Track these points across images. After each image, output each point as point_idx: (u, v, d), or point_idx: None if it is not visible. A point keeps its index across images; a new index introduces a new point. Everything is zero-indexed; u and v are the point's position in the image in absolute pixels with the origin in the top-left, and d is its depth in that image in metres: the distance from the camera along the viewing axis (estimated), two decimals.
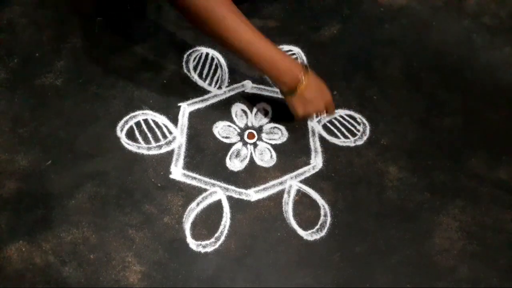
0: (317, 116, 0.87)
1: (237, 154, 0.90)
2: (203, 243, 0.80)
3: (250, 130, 0.94)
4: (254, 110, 0.97)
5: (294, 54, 1.05)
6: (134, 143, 0.89)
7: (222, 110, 0.96)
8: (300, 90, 0.77)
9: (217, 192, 0.85)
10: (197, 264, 0.77)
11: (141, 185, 0.84)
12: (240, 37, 0.74)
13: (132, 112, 0.93)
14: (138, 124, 0.92)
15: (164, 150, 0.89)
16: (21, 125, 0.90)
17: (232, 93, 0.98)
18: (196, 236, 0.80)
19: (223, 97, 0.98)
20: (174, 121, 0.93)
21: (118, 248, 0.78)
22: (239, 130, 0.94)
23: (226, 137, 0.92)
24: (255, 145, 0.92)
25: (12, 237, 0.78)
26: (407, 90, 1.01)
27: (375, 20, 1.12)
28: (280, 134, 0.94)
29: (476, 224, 0.84)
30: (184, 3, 0.70)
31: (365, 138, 0.94)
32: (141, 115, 0.93)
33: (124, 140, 0.90)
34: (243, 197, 0.85)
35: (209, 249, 0.79)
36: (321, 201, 0.85)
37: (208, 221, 0.82)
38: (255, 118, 0.96)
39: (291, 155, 0.91)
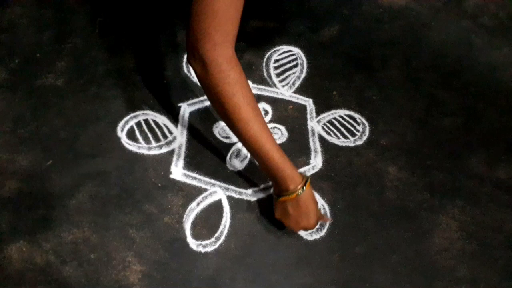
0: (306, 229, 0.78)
1: (237, 154, 0.91)
2: (203, 243, 0.80)
3: None
4: None
5: (293, 54, 1.05)
6: (135, 143, 0.90)
7: None
8: (297, 197, 0.72)
9: (217, 192, 0.85)
10: (197, 264, 0.78)
11: (141, 185, 0.85)
12: (261, 143, 0.70)
13: (132, 112, 0.93)
14: (138, 124, 0.92)
15: (164, 150, 0.89)
16: (22, 125, 0.90)
17: None
18: (196, 236, 0.80)
19: None
20: (175, 121, 0.93)
21: (119, 248, 0.78)
22: None
23: (226, 137, 0.93)
24: None
25: (12, 237, 0.78)
26: (406, 90, 1.01)
27: (375, 21, 1.12)
28: (280, 134, 0.94)
29: (475, 224, 0.85)
30: (206, 76, 0.67)
31: (364, 138, 0.94)
32: (141, 115, 0.93)
33: (125, 140, 0.90)
34: (243, 197, 0.85)
35: (209, 249, 0.79)
36: (321, 201, 0.85)
37: (208, 221, 0.82)
38: None
39: (291, 155, 0.91)
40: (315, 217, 0.75)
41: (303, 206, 0.73)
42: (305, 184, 0.72)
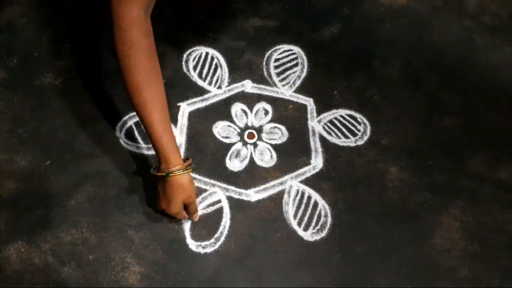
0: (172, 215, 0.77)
1: (237, 154, 0.90)
2: (203, 243, 0.79)
3: (250, 130, 0.94)
4: (254, 110, 0.96)
5: (294, 54, 1.05)
6: (134, 143, 0.89)
7: (222, 110, 0.95)
8: (163, 179, 0.73)
9: (217, 192, 0.85)
10: (197, 264, 0.77)
11: (140, 185, 0.84)
12: (146, 112, 0.71)
13: (131, 112, 0.93)
14: (137, 124, 0.92)
15: None
16: (20, 125, 0.90)
17: (232, 93, 0.98)
18: (196, 237, 0.80)
19: (223, 97, 0.97)
20: (174, 121, 0.93)
21: (118, 248, 0.78)
22: (239, 130, 0.94)
23: (226, 137, 0.92)
24: (255, 145, 0.92)
25: (11, 237, 0.77)
26: (407, 90, 1.01)
27: (375, 20, 1.12)
28: (280, 134, 0.93)
29: (476, 224, 0.84)
30: (114, 35, 0.68)
31: (365, 138, 0.94)
32: None
33: (124, 140, 0.89)
34: (243, 197, 0.85)
35: (209, 250, 0.79)
36: (321, 202, 0.85)
37: (208, 222, 0.81)
38: (255, 118, 0.95)
39: (291, 155, 0.91)
40: (176, 208, 0.74)
41: (168, 191, 0.73)
42: (174, 172, 0.70)
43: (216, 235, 0.80)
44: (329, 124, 0.95)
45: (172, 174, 0.71)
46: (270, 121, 0.95)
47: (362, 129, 0.95)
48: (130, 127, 0.91)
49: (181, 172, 0.71)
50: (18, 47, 1.00)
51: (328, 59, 1.04)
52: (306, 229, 0.82)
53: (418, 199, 0.86)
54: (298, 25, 1.09)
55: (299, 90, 0.99)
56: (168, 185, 0.72)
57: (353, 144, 0.93)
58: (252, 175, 0.87)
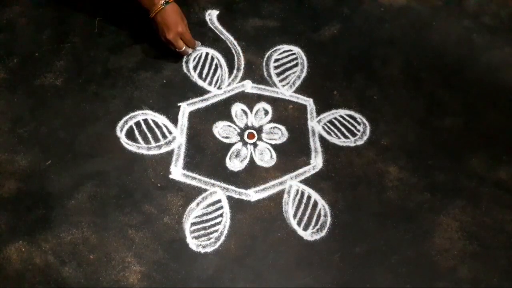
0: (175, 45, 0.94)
1: (237, 154, 0.90)
2: (203, 243, 0.80)
3: (250, 130, 0.94)
4: (254, 110, 0.97)
5: (294, 54, 1.05)
6: (134, 143, 0.89)
7: (222, 110, 0.96)
8: (156, 14, 0.90)
9: (217, 192, 0.85)
10: (197, 264, 0.77)
11: (141, 185, 0.84)
12: None
13: (132, 112, 0.93)
14: (138, 124, 0.92)
15: (164, 150, 0.89)
16: (20, 125, 0.90)
17: (232, 93, 0.98)
18: (196, 236, 0.80)
19: (223, 97, 0.97)
20: (174, 121, 0.93)
21: (118, 248, 0.78)
22: (239, 130, 0.94)
23: (226, 137, 0.92)
24: (255, 145, 0.92)
25: (11, 237, 0.78)
26: (407, 90, 1.01)
27: (375, 20, 1.12)
28: (280, 134, 0.94)
29: (476, 224, 0.84)
30: None
31: (365, 138, 0.94)
32: (140, 115, 0.93)
33: (124, 140, 0.90)
34: (243, 197, 0.85)
35: (209, 249, 0.79)
36: (321, 201, 0.85)
37: (208, 221, 0.82)
38: (255, 118, 0.96)
39: (291, 155, 0.91)
40: (171, 34, 0.91)
41: (161, 22, 0.90)
42: (159, 6, 0.89)
43: (216, 235, 0.80)
44: (328, 124, 0.95)
45: (158, 9, 0.89)
46: (270, 121, 0.95)
47: (361, 129, 0.95)
48: (130, 127, 0.91)
49: (165, 5, 0.89)
50: (18, 47, 1.01)
51: (328, 59, 1.04)
52: (305, 228, 0.82)
53: (417, 199, 0.87)
54: (298, 25, 1.09)
55: (299, 90, 0.99)
56: (160, 18, 0.90)
57: (352, 144, 0.93)
58: (252, 175, 0.87)
